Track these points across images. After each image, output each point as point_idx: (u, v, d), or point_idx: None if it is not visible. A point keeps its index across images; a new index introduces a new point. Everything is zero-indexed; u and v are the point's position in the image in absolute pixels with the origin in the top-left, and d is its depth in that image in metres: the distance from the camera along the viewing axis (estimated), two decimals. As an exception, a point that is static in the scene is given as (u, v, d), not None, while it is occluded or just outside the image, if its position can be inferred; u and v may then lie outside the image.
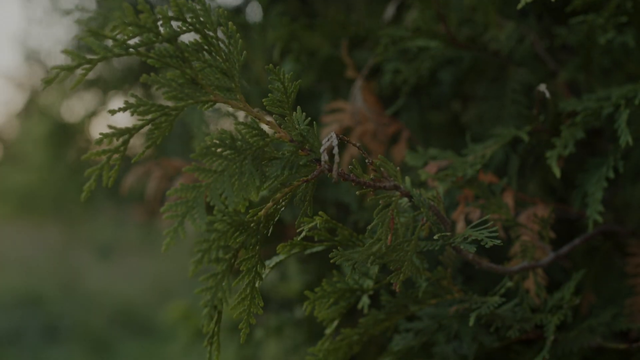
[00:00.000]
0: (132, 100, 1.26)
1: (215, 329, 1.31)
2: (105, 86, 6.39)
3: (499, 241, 1.43)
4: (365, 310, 1.68)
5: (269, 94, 1.34)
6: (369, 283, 1.67)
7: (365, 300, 1.68)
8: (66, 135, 8.44)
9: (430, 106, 2.28)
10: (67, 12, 2.22)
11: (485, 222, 1.51)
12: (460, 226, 1.79)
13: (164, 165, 2.41)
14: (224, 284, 1.28)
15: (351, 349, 1.71)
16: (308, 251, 1.57)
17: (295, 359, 2.60)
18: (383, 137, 2.02)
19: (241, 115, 2.38)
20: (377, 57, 2.01)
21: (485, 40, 2.02)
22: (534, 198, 1.86)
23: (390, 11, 2.19)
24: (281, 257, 1.54)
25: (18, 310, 10.05)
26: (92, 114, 6.34)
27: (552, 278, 1.94)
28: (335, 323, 1.66)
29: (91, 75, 6.58)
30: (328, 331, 1.67)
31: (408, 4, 2.24)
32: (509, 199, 1.81)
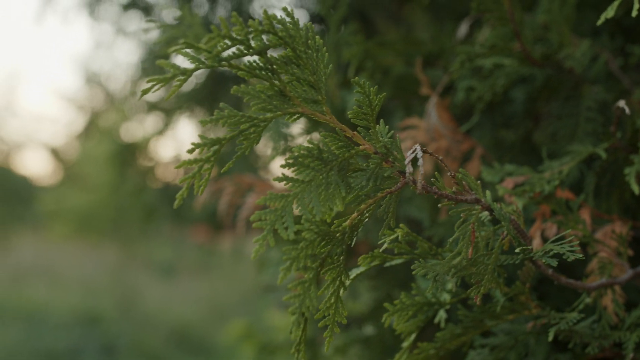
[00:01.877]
0: (223, 111, 1.29)
1: (302, 337, 1.33)
2: (169, 108, 6.50)
3: (580, 255, 1.43)
4: (442, 325, 1.69)
5: (354, 107, 1.37)
6: (446, 297, 1.68)
7: (442, 314, 1.69)
8: (128, 156, 8.59)
9: (502, 124, 2.29)
10: (146, 30, 2.28)
11: (563, 237, 1.51)
12: (536, 242, 1.78)
13: (236, 181, 2.45)
14: (311, 292, 1.30)
15: (427, 363, 1.72)
16: (387, 264, 1.59)
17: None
18: (457, 154, 2.03)
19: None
20: (452, 73, 2.03)
21: (560, 58, 2.02)
22: (611, 215, 1.85)
23: (463, 30, 2.21)
24: (362, 268, 1.56)
25: (77, 328, 10.21)
26: (158, 133, 6.46)
27: (628, 297, 1.92)
28: (413, 336, 1.67)
29: (154, 97, 6.72)
30: (405, 344, 1.68)
31: (480, 23, 2.25)
32: (585, 215, 1.80)
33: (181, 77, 1.26)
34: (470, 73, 2.11)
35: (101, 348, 9.51)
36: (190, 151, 1.28)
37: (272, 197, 1.28)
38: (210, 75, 4.87)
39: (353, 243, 1.40)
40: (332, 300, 1.38)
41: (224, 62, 1.27)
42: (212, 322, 10.90)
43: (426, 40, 2.24)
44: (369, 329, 2.56)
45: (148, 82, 1.24)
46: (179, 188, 8.94)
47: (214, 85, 4.92)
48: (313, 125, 2.37)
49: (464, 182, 1.44)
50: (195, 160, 1.30)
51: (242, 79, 2.58)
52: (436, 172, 1.43)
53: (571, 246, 1.46)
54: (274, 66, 1.31)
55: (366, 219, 1.41)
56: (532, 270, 1.63)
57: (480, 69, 2.10)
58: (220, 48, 1.24)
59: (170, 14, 4.71)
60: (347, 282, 1.41)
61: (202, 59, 1.26)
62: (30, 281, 13.11)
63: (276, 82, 1.31)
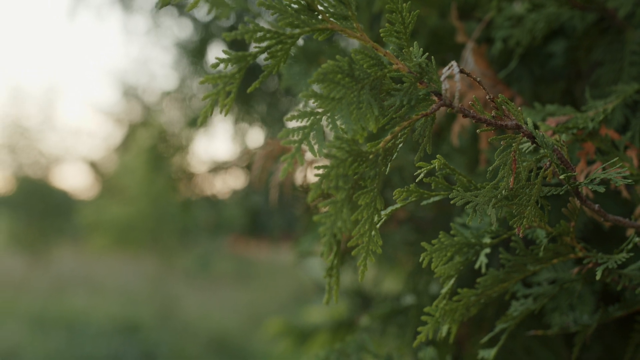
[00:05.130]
0: (249, 26, 1.23)
1: (335, 262, 1.26)
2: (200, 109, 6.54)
3: (629, 180, 1.35)
4: (483, 270, 1.60)
5: (387, 24, 1.30)
6: (486, 239, 1.60)
7: (483, 259, 1.60)
8: (165, 163, 8.66)
9: (541, 78, 2.20)
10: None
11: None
12: (581, 184, 1.70)
13: (269, 144, 2.39)
14: (343, 213, 1.23)
15: (468, 310, 1.63)
16: (424, 202, 1.51)
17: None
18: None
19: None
20: (489, 18, 1.96)
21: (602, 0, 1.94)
22: (659, 157, 1.76)
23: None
24: (397, 205, 1.48)
25: (117, 336, 10.29)
26: (198, 123, 6.47)
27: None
28: (452, 281, 1.58)
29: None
30: (444, 290, 1.59)
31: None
32: (632, 155, 1.72)
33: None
34: (507, 23, 2.04)
35: (141, 355, 9.56)
36: (215, 66, 1.22)
37: (301, 114, 1.22)
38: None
39: (387, 169, 1.33)
40: (366, 227, 1.30)
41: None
42: (250, 329, 10.93)
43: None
44: (407, 299, 2.48)
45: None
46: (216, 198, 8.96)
47: (243, 81, 4.90)
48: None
49: (504, 107, 1.37)
50: (220, 77, 1.24)
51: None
52: (474, 96, 1.36)
53: (620, 172, 1.38)
54: (301, -21, 1.25)
55: (400, 144, 1.33)
56: (577, 208, 1.54)
57: (517, 18, 2.02)
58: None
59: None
60: (382, 209, 1.34)
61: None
62: (71, 291, 13.27)
63: (303, -5, 1.25)
